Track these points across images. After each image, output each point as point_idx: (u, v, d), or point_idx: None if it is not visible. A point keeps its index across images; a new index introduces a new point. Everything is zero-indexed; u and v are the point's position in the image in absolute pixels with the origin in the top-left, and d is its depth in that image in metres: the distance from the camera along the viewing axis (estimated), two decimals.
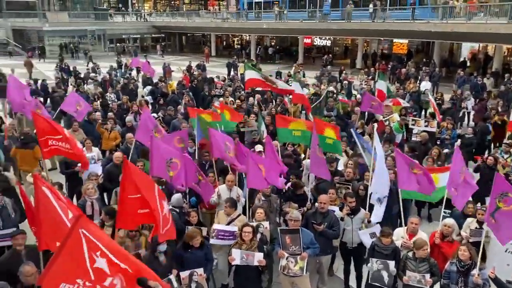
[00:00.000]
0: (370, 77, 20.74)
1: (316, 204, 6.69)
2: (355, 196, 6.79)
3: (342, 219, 6.56)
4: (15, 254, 5.25)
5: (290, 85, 18.65)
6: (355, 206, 6.62)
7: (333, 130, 8.98)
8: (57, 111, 12.60)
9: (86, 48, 37.25)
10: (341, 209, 6.74)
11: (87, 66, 26.68)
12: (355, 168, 8.30)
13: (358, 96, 14.88)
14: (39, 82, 18.05)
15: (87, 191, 6.96)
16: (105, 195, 8.38)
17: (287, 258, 5.73)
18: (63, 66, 25.03)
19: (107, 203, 7.77)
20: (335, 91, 16.73)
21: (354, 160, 8.67)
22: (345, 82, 19.42)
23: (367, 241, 6.28)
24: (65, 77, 21.45)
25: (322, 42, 40.90)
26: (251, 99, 14.59)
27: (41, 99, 14.99)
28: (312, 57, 38.40)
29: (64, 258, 3.93)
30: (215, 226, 6.48)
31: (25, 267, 4.65)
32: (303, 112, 14.28)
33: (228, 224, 6.49)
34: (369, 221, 6.60)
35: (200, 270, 5.58)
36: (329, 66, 25.59)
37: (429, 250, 5.62)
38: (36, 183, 4.56)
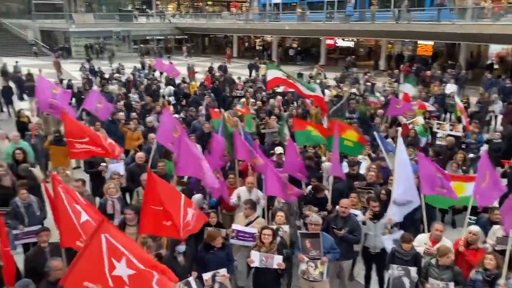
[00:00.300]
0: (394, 79, 20.43)
1: (337, 208, 6.60)
2: (378, 200, 6.67)
3: (364, 223, 6.45)
4: (39, 251, 5.37)
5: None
6: (379, 211, 6.50)
7: (355, 132, 8.91)
8: (80, 110, 12.85)
9: (111, 49, 37.92)
10: (364, 213, 6.63)
11: (111, 66, 27.13)
12: (378, 171, 8.17)
13: (381, 98, 14.67)
14: (65, 82, 18.46)
15: (108, 190, 7.06)
16: (126, 194, 8.48)
17: (307, 263, 5.67)
18: (90, 67, 25.42)
19: (128, 203, 7.85)
20: (357, 93, 16.54)
21: (377, 163, 8.54)
22: (368, 84, 19.19)
23: (390, 247, 6.16)
24: (90, 77, 21.90)
25: (345, 44, 40.51)
26: (271, 100, 14.57)
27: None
28: (335, 59, 38.11)
29: (85, 261, 4.00)
30: (234, 226, 6.48)
31: (53, 262, 4.73)
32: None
33: (247, 226, 6.48)
34: (392, 227, 6.46)
35: (223, 271, 5.56)
36: (354, 68, 25.24)
37: (453, 257, 5.47)
38: (53, 183, 4.64)
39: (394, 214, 6.55)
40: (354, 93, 16.49)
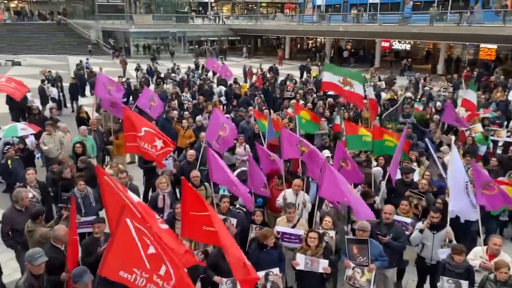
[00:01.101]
0: (452, 85, 19.52)
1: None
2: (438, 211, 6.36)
3: (421, 231, 6.21)
4: (94, 240, 5.63)
5: (366, 90, 18.33)
6: (438, 222, 6.19)
7: (392, 136, 8.80)
8: (133, 107, 13.36)
9: (171, 49, 39.31)
10: (414, 221, 6.38)
11: (172, 63, 27.91)
12: (430, 179, 7.84)
13: (438, 103, 14.07)
14: (123, 79, 19.26)
15: (160, 185, 7.31)
16: (177, 190, 8.73)
17: (353, 269, 5.56)
18: (148, 68, 26.16)
19: (179, 198, 8.06)
20: (412, 97, 15.97)
21: (431, 171, 8.20)
22: (426, 88, 18.45)
23: None
24: (147, 76, 22.75)
25: (401, 46, 39.32)
26: (320, 102, 14.37)
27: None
28: (390, 61, 37.10)
29: (117, 248, 4.10)
30: (278, 228, 6.45)
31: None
32: (377, 118, 13.79)
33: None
34: (450, 241, 6.12)
35: (276, 270, 5.56)
36: (417, 74, 24.23)
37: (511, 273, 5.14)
38: (98, 174, 4.54)
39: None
40: (409, 97, 15.91)
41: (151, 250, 4.07)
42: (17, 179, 8.00)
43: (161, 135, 7.93)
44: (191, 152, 8.90)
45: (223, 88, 18.51)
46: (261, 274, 5.48)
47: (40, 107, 14.54)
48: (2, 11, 47.69)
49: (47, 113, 13.58)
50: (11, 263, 6.60)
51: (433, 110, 13.90)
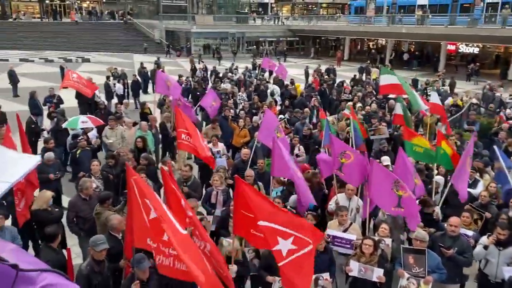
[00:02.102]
0: None
1: (445, 225, 6.11)
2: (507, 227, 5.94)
3: (486, 247, 5.85)
4: None
5: (429, 94, 17.57)
6: (506, 239, 5.80)
7: (423, 139, 8.63)
8: (197, 106, 13.73)
9: (233, 49, 40.11)
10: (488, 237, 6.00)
11: (233, 63, 28.40)
12: (497, 192, 7.36)
13: (508, 111, 13.19)
14: (183, 78, 19.86)
15: (213, 182, 7.47)
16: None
17: (407, 279, 5.35)
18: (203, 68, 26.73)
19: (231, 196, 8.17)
20: (479, 104, 15.11)
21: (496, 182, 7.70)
22: (498, 95, 17.35)
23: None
24: (206, 75, 23.26)
25: (468, 50, 37.27)
26: (373, 105, 13.95)
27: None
28: (455, 65, 35.26)
29: (131, 214, 4.37)
30: (329, 231, 6.34)
31: None
32: (439, 124, 13.16)
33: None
34: None
35: (326, 275, 5.50)
36: (489, 82, 22.80)
37: None
38: (128, 174, 4.54)
39: None
40: (476, 103, 15.06)
41: (152, 214, 4.24)
42: (83, 169, 8.50)
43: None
44: (245, 151, 9.00)
45: (275, 87, 18.51)
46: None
47: (106, 103, 15.34)
48: (75, 11, 50.98)
49: (113, 108, 14.31)
50: (74, 248, 7.01)
51: (504, 118, 13.06)
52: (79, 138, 9.65)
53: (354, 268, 5.41)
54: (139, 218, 4.37)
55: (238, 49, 41.23)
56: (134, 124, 11.82)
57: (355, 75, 24.73)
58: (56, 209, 6.89)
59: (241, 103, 14.87)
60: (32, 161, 4.05)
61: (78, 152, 9.26)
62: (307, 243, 4.48)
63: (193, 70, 25.02)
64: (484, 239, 5.98)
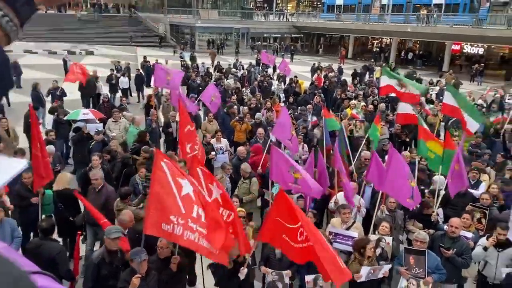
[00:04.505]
0: None
1: (445, 227, 6.10)
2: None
3: (485, 249, 5.84)
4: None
5: (431, 94, 17.50)
6: (505, 240, 5.79)
7: (438, 144, 8.23)
8: (197, 100, 13.71)
9: (237, 45, 40.12)
10: (487, 238, 6.00)
11: (236, 58, 28.48)
12: (499, 193, 7.34)
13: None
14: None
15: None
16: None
17: (408, 280, 5.36)
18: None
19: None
20: (484, 105, 15.06)
21: (498, 184, 7.68)
22: (497, 95, 17.31)
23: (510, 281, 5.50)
24: (210, 71, 23.26)
25: (473, 50, 37.10)
26: (382, 105, 13.91)
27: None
28: (460, 65, 35.11)
29: (156, 196, 4.37)
30: (331, 229, 6.34)
31: (162, 240, 5.10)
32: (442, 124, 13.09)
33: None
34: None
35: None
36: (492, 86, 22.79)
37: None
38: (157, 158, 4.60)
39: None
40: (480, 104, 15.01)
41: (185, 190, 4.36)
42: None
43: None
44: (241, 149, 8.98)
45: (277, 84, 18.49)
46: (310, 277, 5.45)
47: (109, 95, 15.34)
48: (80, 3, 50.91)
49: (116, 101, 14.32)
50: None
51: (508, 119, 13.01)
52: (97, 130, 9.62)
53: (364, 274, 5.39)
54: (170, 197, 4.45)
55: (241, 45, 41.08)
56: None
57: (355, 70, 24.81)
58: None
59: (246, 99, 14.81)
60: (16, 166, 4.02)
61: (92, 143, 9.28)
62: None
63: (218, 65, 24.67)
64: (483, 241, 5.98)
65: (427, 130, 8.91)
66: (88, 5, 51.75)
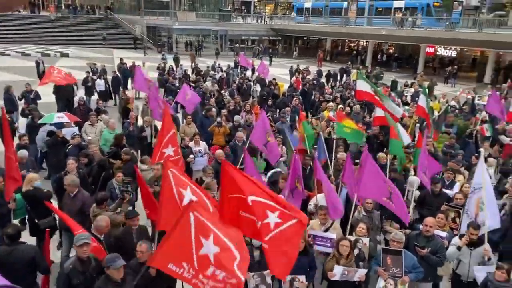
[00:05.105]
0: (501, 95, 18.72)
1: (420, 226, 6.22)
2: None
3: (459, 248, 5.98)
4: (128, 231, 5.78)
5: (406, 96, 17.85)
6: (477, 239, 5.96)
7: (352, 121, 10.42)
8: (173, 102, 13.60)
9: (216, 47, 40.04)
10: (460, 237, 6.15)
11: (216, 61, 28.47)
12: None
13: (484, 113, 13.50)
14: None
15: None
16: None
17: (386, 280, 5.43)
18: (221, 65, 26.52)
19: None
20: (457, 106, 15.45)
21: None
22: (468, 97, 17.81)
23: (481, 278, 5.64)
24: (187, 73, 23.12)
25: (446, 53, 38.04)
26: (357, 107, 14.10)
27: None
28: (434, 68, 35.98)
29: (174, 240, 4.24)
30: (311, 231, 6.37)
31: (142, 244, 5.04)
32: (417, 125, 13.38)
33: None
34: (489, 259, 5.88)
35: (302, 277, 5.51)
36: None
37: None
38: (165, 166, 4.84)
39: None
40: (453, 106, 15.39)
41: (203, 251, 4.19)
42: None
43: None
44: (219, 152, 8.97)
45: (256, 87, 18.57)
46: (287, 278, 5.46)
47: (85, 98, 15.05)
48: (54, 4, 49.84)
49: (92, 104, 14.07)
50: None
51: (479, 120, 13.38)
52: (74, 134, 9.44)
53: (338, 273, 5.43)
54: (173, 205, 4.69)
55: (221, 47, 41.00)
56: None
57: (329, 71, 25.21)
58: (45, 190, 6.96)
59: (227, 102, 14.74)
60: None
61: (69, 147, 9.08)
62: (291, 217, 4.57)
63: (196, 68, 24.54)
64: (456, 240, 6.12)
65: (341, 113, 10.94)
66: (63, 7, 50.72)
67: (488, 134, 12.55)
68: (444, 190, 7.89)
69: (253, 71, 24.89)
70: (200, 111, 12.80)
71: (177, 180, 4.74)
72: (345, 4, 43.28)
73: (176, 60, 28.45)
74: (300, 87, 19.03)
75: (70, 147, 9.10)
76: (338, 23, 40.86)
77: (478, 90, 20.39)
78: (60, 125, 10.36)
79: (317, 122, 12.11)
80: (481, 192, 6.26)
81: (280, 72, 28.88)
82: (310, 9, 48.62)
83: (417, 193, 7.99)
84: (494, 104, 12.75)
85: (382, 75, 24.56)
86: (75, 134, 9.42)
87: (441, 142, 11.49)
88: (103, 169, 7.99)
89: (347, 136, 10.38)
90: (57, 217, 6.63)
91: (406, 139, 9.55)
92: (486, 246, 5.92)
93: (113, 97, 18.67)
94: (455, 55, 37.88)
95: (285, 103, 14.98)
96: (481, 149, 8.87)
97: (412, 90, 19.33)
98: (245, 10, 61.14)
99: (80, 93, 15.99)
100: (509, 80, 24.29)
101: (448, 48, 37.07)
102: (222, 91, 16.86)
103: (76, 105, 13.43)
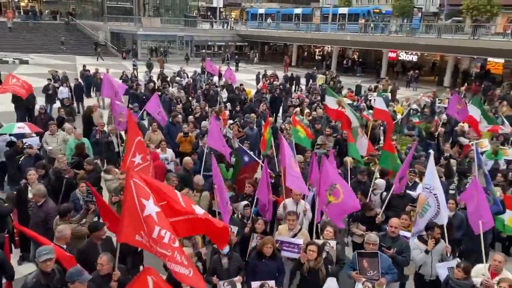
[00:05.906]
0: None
1: (387, 227, 6.36)
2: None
3: (427, 251, 6.11)
4: (92, 244, 5.60)
5: (369, 99, 18.27)
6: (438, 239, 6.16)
7: (303, 129, 11.05)
8: (142, 111, 13.36)
9: (186, 52, 40.01)
10: (420, 239, 6.30)
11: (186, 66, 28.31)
12: None
13: (444, 116, 13.99)
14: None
15: None
16: None
17: (363, 283, 5.42)
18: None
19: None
20: (419, 109, 15.94)
21: None
22: (428, 100, 18.45)
23: (444, 275, 5.81)
24: (153, 79, 22.81)
25: (408, 57, 39.31)
26: (319, 111, 14.31)
27: None
28: (396, 72, 37.07)
29: (127, 211, 4.51)
30: (278, 237, 6.38)
31: (102, 257, 4.91)
32: (382, 128, 13.72)
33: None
34: (448, 255, 6.08)
35: (272, 283, 5.51)
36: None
37: None
38: (128, 176, 4.65)
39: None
40: (415, 109, 15.87)
41: (147, 211, 4.42)
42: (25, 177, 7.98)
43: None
44: (187, 160, 8.89)
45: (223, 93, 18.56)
46: (257, 284, 5.45)
47: (45, 106, 14.55)
48: (12, 10, 48.04)
49: (54, 113, 13.62)
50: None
51: (440, 122, 13.87)
52: (26, 144, 9.06)
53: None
54: (134, 216, 4.57)
55: (184, 53, 40.70)
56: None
57: (292, 74, 26.21)
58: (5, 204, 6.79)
59: (194, 108, 14.62)
60: None
61: (21, 158, 8.71)
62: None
63: (161, 74, 24.19)
64: (417, 243, 6.26)
65: (294, 119, 11.70)
66: (22, 12, 48.98)
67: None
68: (407, 191, 8.08)
69: (220, 77, 24.82)
70: (167, 117, 12.61)
71: (139, 190, 4.60)
72: (295, 10, 46.85)
73: (149, 66, 28.11)
74: (268, 92, 19.14)
75: (22, 158, 8.76)
76: (310, 29, 41.72)
77: (438, 93, 21.10)
78: (21, 136, 9.98)
79: (290, 127, 12.22)
80: (428, 194, 6.58)
81: (247, 77, 28.95)
82: (263, 14, 50.87)
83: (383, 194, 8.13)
84: (455, 107, 13.19)
85: (336, 78, 25.48)
86: (28, 144, 9.06)
87: (404, 144, 11.80)
88: (60, 179, 7.72)
89: (300, 140, 10.78)
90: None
91: (362, 151, 9.98)
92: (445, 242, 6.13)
93: (77, 105, 18.15)
94: (416, 60, 39.18)
95: (252, 108, 15.00)
96: (431, 151, 9.21)
97: (375, 94, 19.79)
98: (211, 16, 61.03)
99: (40, 101, 15.44)
100: (466, 84, 25.36)
101: (410, 53, 38.32)
102: (190, 98, 16.71)
103: (36, 113, 12.98)
